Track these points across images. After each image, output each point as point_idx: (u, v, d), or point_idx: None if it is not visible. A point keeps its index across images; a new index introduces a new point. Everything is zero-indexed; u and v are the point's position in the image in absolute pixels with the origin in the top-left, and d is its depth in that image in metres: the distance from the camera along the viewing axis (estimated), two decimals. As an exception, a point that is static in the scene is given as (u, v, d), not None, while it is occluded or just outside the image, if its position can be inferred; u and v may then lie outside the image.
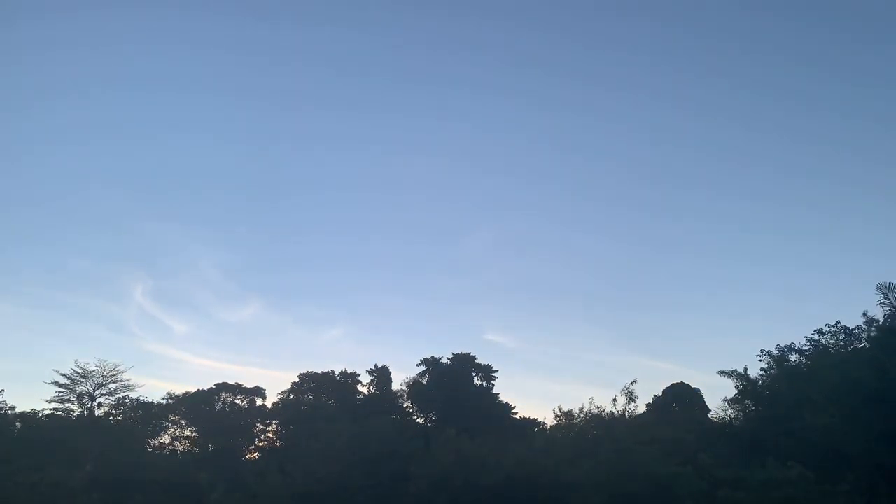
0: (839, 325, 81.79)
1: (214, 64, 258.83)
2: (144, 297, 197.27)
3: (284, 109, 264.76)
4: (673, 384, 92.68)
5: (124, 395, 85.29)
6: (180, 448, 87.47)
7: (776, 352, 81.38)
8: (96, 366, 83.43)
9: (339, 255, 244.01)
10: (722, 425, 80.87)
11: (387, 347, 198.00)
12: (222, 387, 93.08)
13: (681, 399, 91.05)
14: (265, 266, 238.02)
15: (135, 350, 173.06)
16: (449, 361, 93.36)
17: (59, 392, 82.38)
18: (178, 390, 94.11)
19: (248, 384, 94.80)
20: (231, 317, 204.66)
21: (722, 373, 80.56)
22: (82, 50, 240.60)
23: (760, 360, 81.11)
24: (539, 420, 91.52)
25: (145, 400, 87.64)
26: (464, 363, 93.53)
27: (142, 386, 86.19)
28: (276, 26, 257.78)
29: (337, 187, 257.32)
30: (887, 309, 76.78)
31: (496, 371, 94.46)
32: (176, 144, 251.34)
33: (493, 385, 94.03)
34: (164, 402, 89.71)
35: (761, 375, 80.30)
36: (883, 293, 77.28)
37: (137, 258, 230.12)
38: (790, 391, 71.35)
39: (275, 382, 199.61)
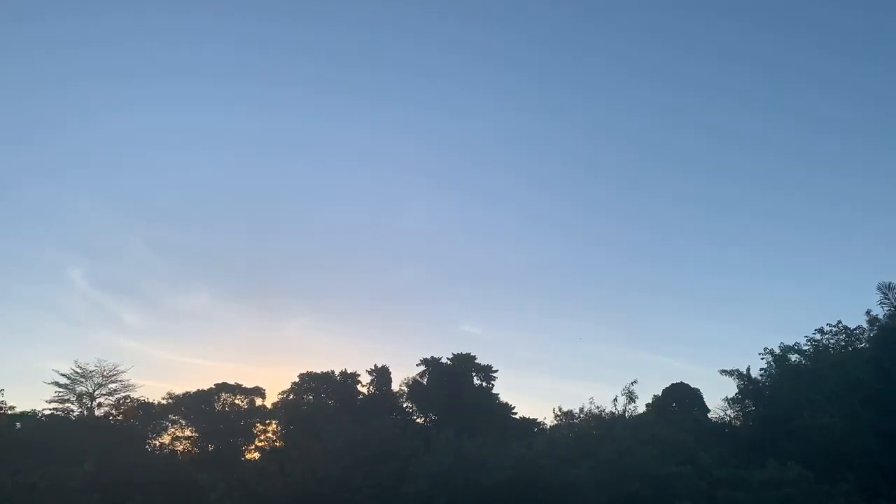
0: (840, 325, 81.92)
1: (143, 42, 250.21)
2: (85, 283, 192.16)
3: (235, 85, 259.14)
4: (673, 384, 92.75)
5: (124, 395, 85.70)
6: (180, 448, 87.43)
7: (777, 351, 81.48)
8: (96, 366, 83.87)
9: (289, 237, 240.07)
10: (722, 425, 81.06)
11: (349, 339, 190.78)
12: (222, 387, 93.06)
13: (681, 399, 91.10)
14: (213, 253, 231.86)
15: (84, 340, 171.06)
16: (449, 361, 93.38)
17: (59, 392, 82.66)
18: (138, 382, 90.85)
19: (225, 379, 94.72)
20: (182, 305, 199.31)
21: (723, 372, 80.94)
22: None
23: (762, 359, 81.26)
24: (539, 420, 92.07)
25: (146, 400, 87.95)
26: (464, 363, 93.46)
27: (127, 378, 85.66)
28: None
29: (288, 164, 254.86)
30: (887, 309, 76.98)
31: (496, 371, 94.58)
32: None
33: (493, 385, 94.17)
34: (164, 402, 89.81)
35: (762, 375, 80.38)
36: (883, 293, 77.49)
37: (69, 241, 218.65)
38: (790, 391, 71.50)
39: (240, 375, 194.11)
